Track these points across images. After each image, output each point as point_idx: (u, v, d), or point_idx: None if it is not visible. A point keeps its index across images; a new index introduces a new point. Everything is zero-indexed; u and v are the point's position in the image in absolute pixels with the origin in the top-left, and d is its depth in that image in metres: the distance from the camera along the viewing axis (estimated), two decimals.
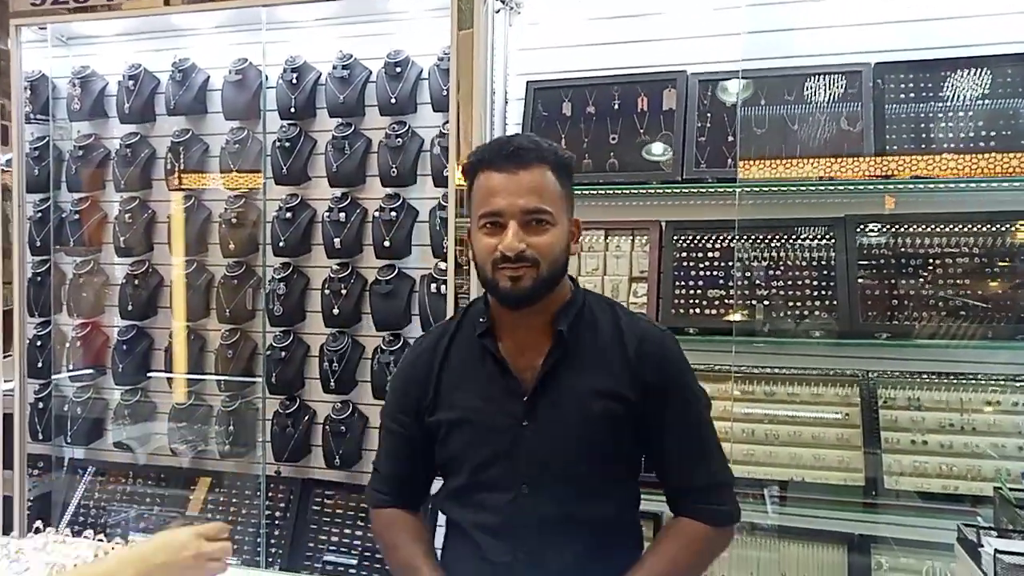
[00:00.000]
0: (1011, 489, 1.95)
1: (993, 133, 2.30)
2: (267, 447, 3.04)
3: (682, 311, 2.50)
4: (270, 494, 3.04)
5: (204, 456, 3.19)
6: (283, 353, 3.02)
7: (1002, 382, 2.31)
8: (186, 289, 3.17)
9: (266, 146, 3.03)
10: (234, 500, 3.12)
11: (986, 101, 2.32)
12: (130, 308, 3.23)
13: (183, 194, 3.17)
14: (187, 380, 3.21)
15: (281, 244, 3.01)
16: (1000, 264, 2.29)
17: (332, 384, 2.95)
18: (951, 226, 2.35)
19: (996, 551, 1.52)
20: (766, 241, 2.48)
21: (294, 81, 2.98)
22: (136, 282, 3.22)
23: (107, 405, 3.34)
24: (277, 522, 3.01)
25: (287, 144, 2.99)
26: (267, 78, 3.03)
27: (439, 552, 1.67)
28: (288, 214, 3.01)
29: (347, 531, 2.94)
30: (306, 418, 3.03)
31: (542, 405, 1.52)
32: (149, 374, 3.27)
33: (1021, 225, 2.29)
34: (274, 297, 3.01)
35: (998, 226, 2.31)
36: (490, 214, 1.48)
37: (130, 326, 3.26)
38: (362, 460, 2.97)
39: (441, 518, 1.71)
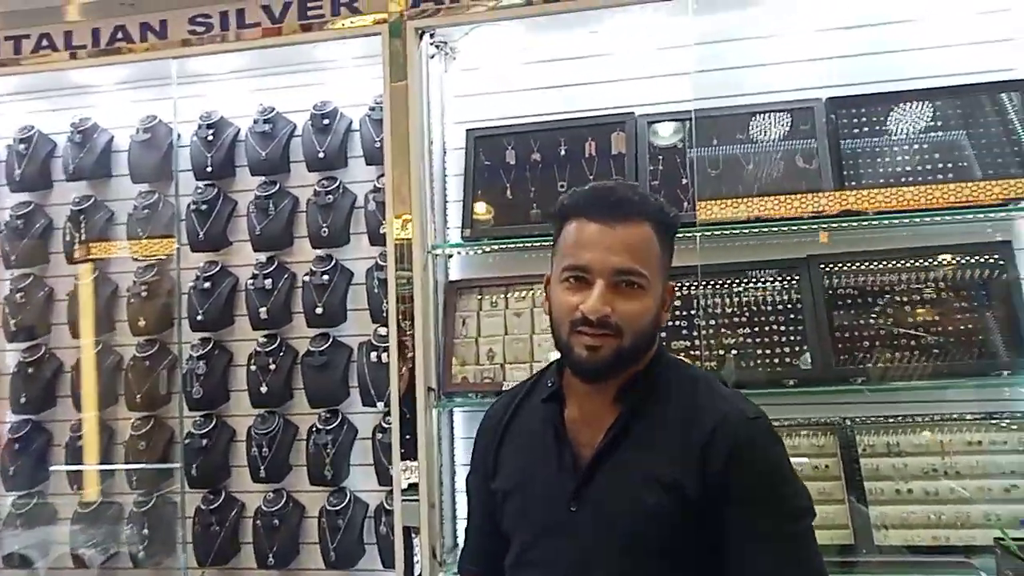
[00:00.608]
0: (1014, 539, 1.96)
1: (951, 163, 2.38)
2: (188, 549, 2.83)
3: None
4: None
5: (115, 567, 2.94)
6: (204, 440, 2.83)
7: (981, 420, 2.33)
8: (91, 374, 2.98)
9: (180, 210, 2.90)
10: None
11: (940, 133, 2.40)
12: (23, 400, 3.00)
13: (85, 267, 3.00)
14: (93, 477, 2.98)
15: (199, 317, 2.86)
16: (968, 298, 2.34)
17: (262, 472, 2.77)
18: (916, 260, 2.40)
19: None
20: (729, 286, 2.48)
21: (210, 138, 2.89)
22: (30, 370, 3.00)
23: None
24: None
25: (204, 207, 2.88)
26: (179, 136, 2.92)
27: None
28: (207, 283, 2.87)
29: None
30: (233, 513, 2.83)
31: (593, 487, 1.39)
32: (51, 470, 3.03)
33: (988, 257, 2.36)
34: (193, 378, 2.85)
35: (965, 258, 2.37)
36: (576, 268, 1.35)
37: (23, 420, 3.02)
38: (300, 555, 2.78)
39: None
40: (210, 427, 2.86)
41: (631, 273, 1.32)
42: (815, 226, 2.41)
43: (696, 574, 1.36)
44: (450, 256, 2.70)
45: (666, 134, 2.58)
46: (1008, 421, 2.31)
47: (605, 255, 1.32)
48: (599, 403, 1.41)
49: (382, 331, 2.68)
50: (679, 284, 2.50)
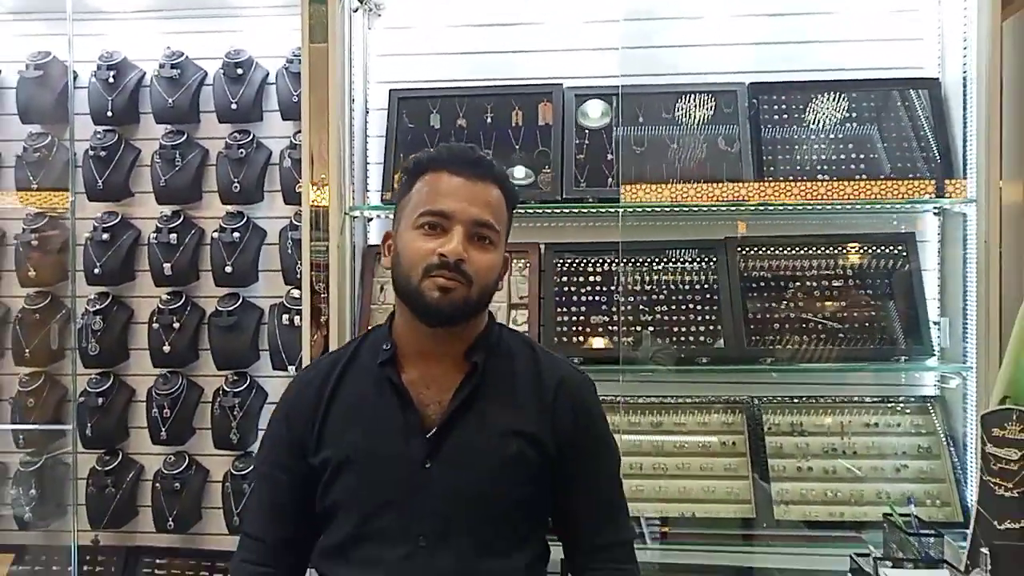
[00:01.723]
0: (901, 515, 2.01)
1: (864, 156, 2.38)
2: (81, 511, 2.63)
3: (565, 339, 2.40)
4: (86, 567, 2.63)
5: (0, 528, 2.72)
6: (100, 399, 2.63)
7: (878, 404, 2.38)
8: None
9: (76, 156, 2.64)
10: None
11: (855, 125, 2.40)
12: None
13: None
14: None
15: (97, 271, 2.62)
16: (873, 286, 2.37)
17: (163, 434, 2.60)
18: (827, 248, 2.40)
19: None
20: (648, 264, 2.43)
21: (111, 80, 2.62)
22: None
23: None
24: None
25: (103, 153, 2.63)
26: (76, 76, 2.64)
27: None
28: (105, 235, 2.63)
29: None
30: (131, 475, 2.66)
31: (447, 445, 1.37)
32: None
33: (893, 248, 2.38)
34: (88, 333, 2.62)
35: (873, 248, 2.39)
36: (437, 213, 1.35)
37: None
38: (202, 520, 2.64)
39: None
40: (107, 386, 2.67)
41: (487, 226, 1.37)
42: (734, 212, 2.37)
43: (537, 522, 1.48)
44: (370, 220, 2.55)
45: (595, 114, 2.47)
46: (903, 405, 2.38)
47: (466, 205, 1.35)
48: (447, 361, 1.42)
49: (295, 293, 2.54)
50: (601, 260, 2.44)
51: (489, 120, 2.51)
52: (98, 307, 2.64)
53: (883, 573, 1.74)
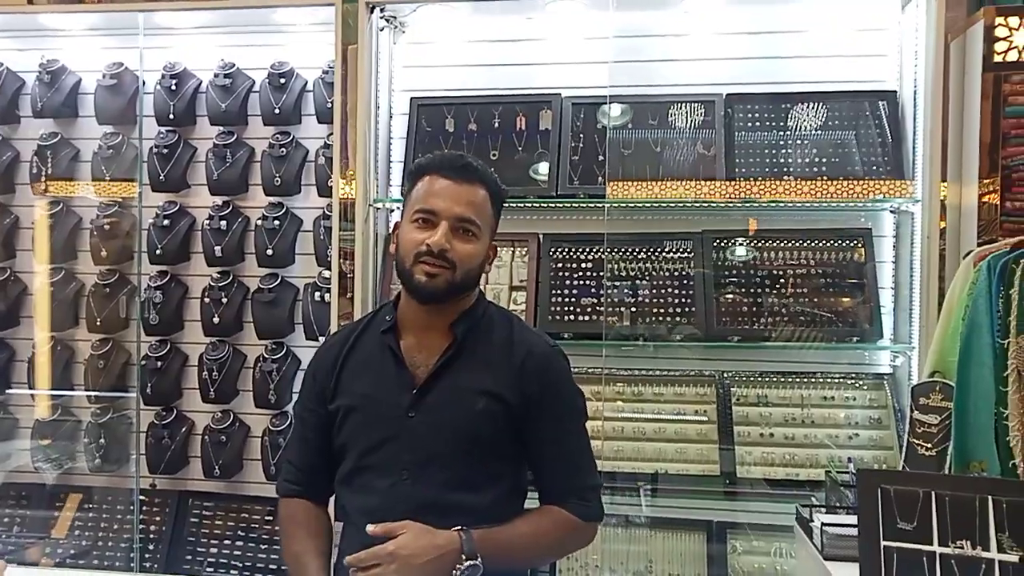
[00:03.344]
0: (839, 472, 2.21)
1: (826, 160, 2.57)
2: (141, 460, 2.93)
3: (558, 317, 2.64)
4: (144, 508, 2.93)
5: (72, 472, 3.03)
6: (159, 363, 2.93)
7: (836, 380, 2.58)
8: (52, 298, 3.02)
9: (143, 152, 2.94)
10: (105, 516, 2.98)
11: (821, 133, 2.59)
12: None
13: (50, 199, 3.02)
14: (53, 394, 3.05)
15: (158, 252, 2.92)
16: (834, 276, 2.56)
17: (212, 394, 2.89)
18: (793, 242, 2.60)
19: (823, 524, 1.72)
20: (633, 253, 2.66)
21: (173, 87, 2.92)
22: None
23: None
24: (152, 536, 2.91)
25: (165, 150, 2.92)
26: (144, 83, 2.95)
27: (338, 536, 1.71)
28: (166, 221, 2.93)
29: (227, 545, 2.87)
30: (184, 429, 2.95)
31: (429, 399, 1.60)
32: (12, 386, 3.08)
33: (850, 242, 2.57)
34: (150, 306, 2.92)
35: (835, 242, 2.58)
36: (426, 211, 1.57)
37: None
38: (244, 470, 2.92)
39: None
40: (164, 351, 2.95)
41: (468, 222, 1.57)
42: (708, 206, 2.58)
43: (508, 465, 1.66)
44: (392, 211, 2.80)
45: (589, 116, 2.70)
46: (861, 382, 2.57)
47: (451, 204, 1.56)
48: (435, 332, 1.63)
49: (326, 274, 2.79)
50: (591, 249, 2.66)
51: (496, 125, 2.75)
52: (158, 283, 2.93)
53: (816, 518, 1.94)
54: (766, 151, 2.61)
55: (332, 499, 1.72)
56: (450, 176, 1.59)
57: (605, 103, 2.67)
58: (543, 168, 2.69)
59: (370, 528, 1.50)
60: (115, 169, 2.97)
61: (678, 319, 2.58)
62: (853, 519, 1.93)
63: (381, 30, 2.71)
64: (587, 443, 1.71)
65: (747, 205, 2.57)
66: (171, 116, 2.92)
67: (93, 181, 2.98)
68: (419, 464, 1.59)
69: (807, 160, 2.58)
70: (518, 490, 1.74)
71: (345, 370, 1.68)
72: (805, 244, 2.61)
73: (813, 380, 2.59)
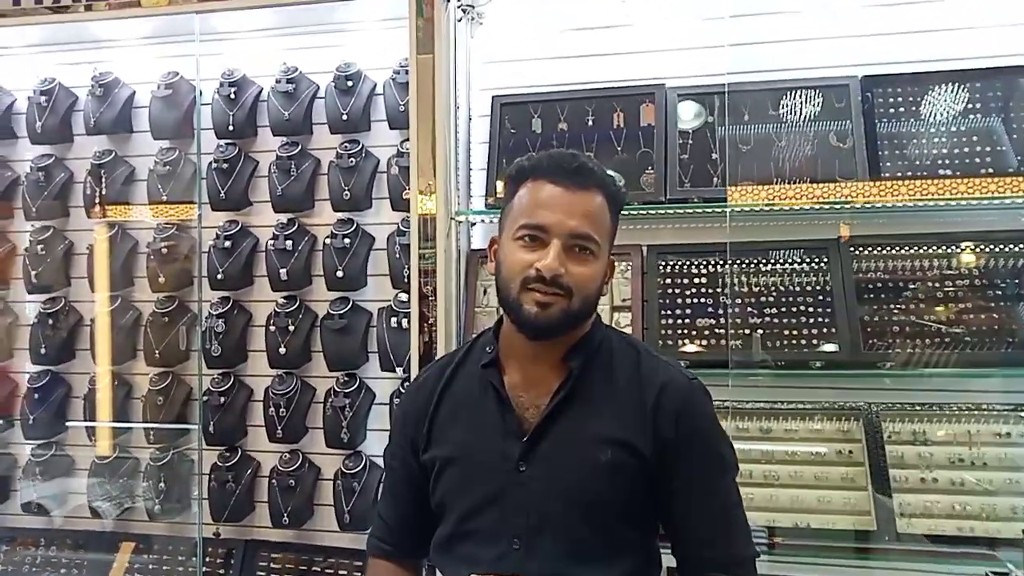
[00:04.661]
0: None
1: (988, 149, 2.10)
2: (204, 505, 2.59)
3: (670, 342, 2.21)
4: (207, 558, 2.59)
5: (131, 517, 2.70)
6: (222, 398, 2.58)
7: (1009, 412, 2.08)
8: (110, 328, 2.71)
9: (201, 168, 2.61)
10: (166, 566, 2.64)
11: (975, 117, 2.12)
12: (43, 351, 2.74)
13: (106, 223, 2.72)
14: (111, 431, 2.73)
15: (219, 276, 2.58)
16: (1003, 288, 2.08)
17: (279, 432, 2.53)
18: (949, 247, 2.13)
19: None
20: (756, 265, 2.22)
21: (232, 96, 2.59)
22: (51, 321, 2.74)
23: (15, 461, 2.83)
24: None
25: (225, 166, 2.59)
26: (201, 93, 2.62)
27: None
28: (227, 243, 2.59)
29: None
30: (249, 471, 2.60)
31: (542, 448, 1.30)
32: (67, 424, 2.77)
33: (1019, 246, 2.09)
34: (211, 335, 2.58)
35: (999, 247, 2.10)
36: (534, 227, 1.28)
37: (43, 371, 2.76)
38: (314, 517, 2.55)
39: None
40: (228, 385, 2.61)
41: (586, 238, 1.28)
42: (846, 208, 2.13)
43: (640, 530, 1.34)
44: (473, 224, 2.43)
45: (687, 116, 2.27)
46: None
47: (563, 217, 1.26)
48: (545, 365, 1.34)
49: (403, 297, 2.43)
50: (707, 261, 2.23)
51: (590, 123, 2.35)
52: (220, 311, 2.60)
53: None
54: (912, 142, 2.14)
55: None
56: (561, 182, 1.28)
57: (719, 93, 2.23)
58: (647, 170, 2.27)
59: None
60: (172, 187, 2.65)
61: (815, 341, 2.12)
62: None
63: (458, 21, 2.33)
64: (738, 502, 1.37)
65: (895, 206, 2.10)
66: (231, 127, 2.59)
67: (149, 201, 2.67)
68: (532, 530, 1.27)
69: (964, 151, 2.10)
70: (652, 561, 1.38)
71: (440, 413, 1.39)
72: (960, 250, 2.13)
73: (982, 413, 2.09)
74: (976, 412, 2.09)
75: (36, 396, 2.75)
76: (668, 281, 2.26)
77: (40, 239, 2.75)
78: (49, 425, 2.76)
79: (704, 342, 2.19)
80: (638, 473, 1.29)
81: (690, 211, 2.23)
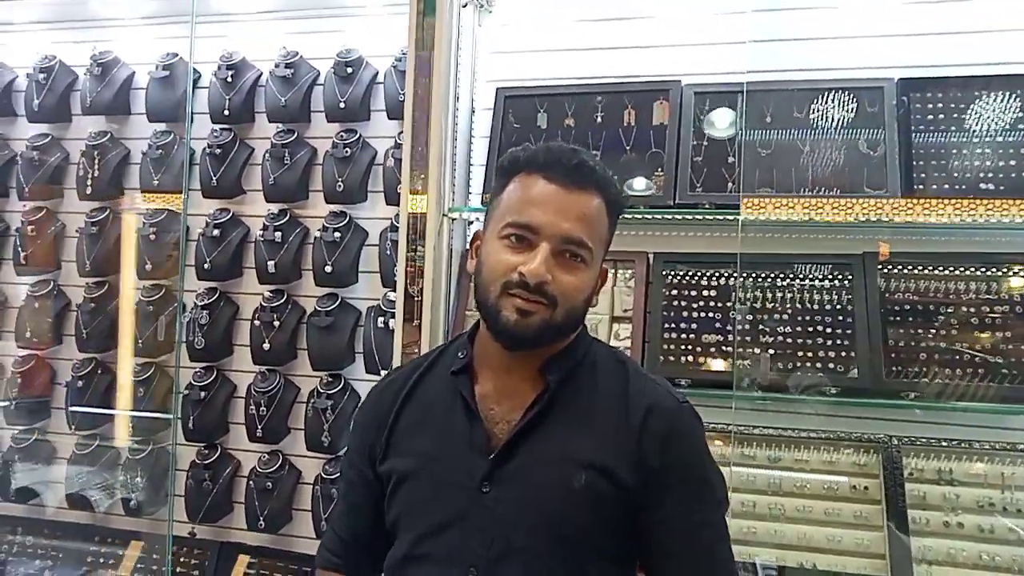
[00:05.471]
0: None
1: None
2: (179, 503, 2.43)
3: (672, 358, 2.00)
4: (181, 559, 2.43)
5: (108, 511, 2.56)
6: (203, 393, 2.43)
7: None
8: (94, 315, 2.56)
9: (193, 153, 2.47)
10: (140, 563, 2.49)
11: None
12: (28, 334, 2.63)
13: (95, 205, 2.58)
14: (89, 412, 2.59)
15: (206, 266, 2.44)
16: None
17: (259, 431, 2.37)
18: (989, 269, 1.89)
19: None
20: (771, 279, 2.00)
21: (229, 80, 2.45)
22: (36, 304, 2.63)
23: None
24: None
25: (219, 151, 2.45)
26: (199, 76, 2.48)
27: None
28: (216, 231, 2.44)
29: None
30: (228, 470, 2.45)
31: (510, 468, 1.13)
32: (51, 409, 2.65)
33: None
34: (196, 327, 2.44)
35: None
36: (523, 226, 1.12)
37: (28, 355, 2.65)
38: (292, 522, 2.39)
39: None
40: (210, 380, 2.46)
41: (578, 244, 1.12)
42: (875, 221, 1.90)
43: (616, 565, 1.17)
44: (470, 223, 2.24)
45: (722, 123, 2.06)
46: None
47: (556, 218, 1.11)
48: (520, 376, 1.18)
49: (392, 296, 2.25)
50: (718, 273, 2.02)
51: (599, 119, 2.16)
52: (206, 302, 2.45)
53: None
54: (953, 152, 1.91)
55: None
56: (557, 179, 1.12)
57: (739, 92, 2.02)
58: (657, 171, 2.07)
59: None
60: (165, 171, 2.51)
61: (832, 366, 1.90)
62: None
63: (463, 6, 2.16)
64: (726, 538, 1.18)
65: (930, 222, 1.87)
66: (226, 112, 2.45)
67: (141, 185, 2.53)
68: (493, 559, 1.10)
69: (1011, 162, 1.87)
70: None
71: (401, 420, 1.23)
72: (1002, 273, 1.89)
73: (1019, 453, 1.85)
74: (1012, 452, 1.85)
75: (19, 380, 2.64)
76: (674, 292, 2.05)
77: (32, 219, 2.63)
78: (31, 411, 2.64)
79: (710, 360, 1.98)
80: (616, 502, 1.12)
81: (700, 218, 2.02)
